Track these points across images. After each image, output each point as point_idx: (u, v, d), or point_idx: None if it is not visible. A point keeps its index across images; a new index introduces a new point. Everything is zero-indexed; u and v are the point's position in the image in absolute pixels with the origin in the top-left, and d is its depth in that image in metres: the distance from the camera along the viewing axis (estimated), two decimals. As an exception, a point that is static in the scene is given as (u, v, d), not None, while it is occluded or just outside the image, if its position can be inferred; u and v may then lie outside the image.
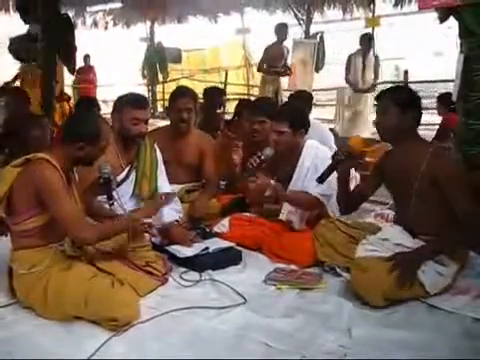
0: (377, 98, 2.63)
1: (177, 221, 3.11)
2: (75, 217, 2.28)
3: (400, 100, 2.49)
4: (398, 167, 2.55)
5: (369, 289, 2.34)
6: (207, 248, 2.90)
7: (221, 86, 12.48)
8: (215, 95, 5.19)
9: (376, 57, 7.59)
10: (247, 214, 3.35)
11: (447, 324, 2.22)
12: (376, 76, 7.55)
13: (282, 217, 3.12)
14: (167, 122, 3.91)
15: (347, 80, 7.55)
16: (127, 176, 3.04)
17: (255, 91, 11.96)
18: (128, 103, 2.99)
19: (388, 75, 11.73)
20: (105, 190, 2.52)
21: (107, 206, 2.57)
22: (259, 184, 2.97)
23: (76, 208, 2.36)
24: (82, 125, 2.38)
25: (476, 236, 2.42)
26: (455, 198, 2.37)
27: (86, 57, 11.69)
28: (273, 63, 7.52)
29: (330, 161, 2.68)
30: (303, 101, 4.81)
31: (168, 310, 2.31)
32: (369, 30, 7.75)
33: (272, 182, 3.00)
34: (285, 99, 7.28)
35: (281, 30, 7.53)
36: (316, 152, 3.13)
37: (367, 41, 7.43)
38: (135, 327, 2.17)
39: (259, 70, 7.77)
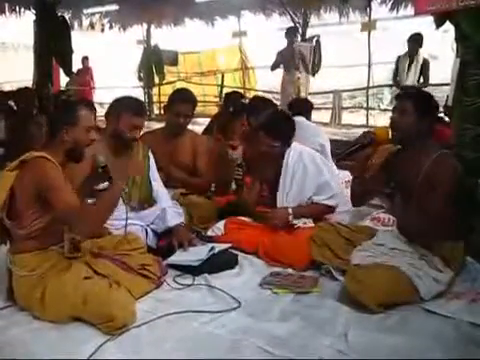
0: (397, 97, 2.69)
1: (182, 223, 3.10)
2: (77, 208, 2.27)
3: (421, 104, 2.52)
4: (403, 170, 2.57)
5: (364, 296, 2.33)
6: (213, 248, 2.90)
7: (218, 89, 12.54)
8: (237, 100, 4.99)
9: (425, 60, 6.95)
10: (242, 217, 3.35)
11: (443, 328, 2.21)
12: (425, 79, 6.91)
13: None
14: (163, 124, 3.91)
15: (395, 81, 7.24)
16: None
17: (251, 94, 11.97)
18: (128, 109, 2.96)
19: (384, 78, 11.72)
20: (105, 177, 2.51)
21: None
22: (279, 215, 3.17)
23: (77, 200, 2.34)
24: (60, 112, 2.46)
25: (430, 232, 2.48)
26: (434, 199, 2.39)
27: (84, 59, 11.69)
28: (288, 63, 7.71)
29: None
30: (305, 112, 4.79)
31: (163, 314, 2.31)
32: (419, 30, 6.93)
33: (289, 210, 3.16)
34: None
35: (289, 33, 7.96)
36: (300, 151, 3.29)
37: (414, 42, 6.81)
38: (130, 331, 2.16)
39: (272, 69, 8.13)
